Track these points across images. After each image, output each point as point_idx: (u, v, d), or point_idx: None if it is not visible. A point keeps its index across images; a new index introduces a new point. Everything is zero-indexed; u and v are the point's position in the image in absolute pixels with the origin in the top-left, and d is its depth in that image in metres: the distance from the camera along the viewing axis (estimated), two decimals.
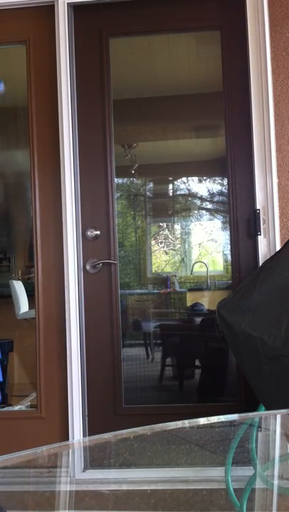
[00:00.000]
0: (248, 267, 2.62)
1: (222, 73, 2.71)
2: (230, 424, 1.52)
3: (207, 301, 4.72)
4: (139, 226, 4.86)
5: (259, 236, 2.59)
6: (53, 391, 2.73)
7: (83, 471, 2.47)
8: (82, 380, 2.68)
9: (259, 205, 2.59)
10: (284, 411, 1.53)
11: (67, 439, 2.62)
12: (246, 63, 2.63)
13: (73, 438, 2.62)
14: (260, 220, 2.58)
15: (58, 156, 2.73)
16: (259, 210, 2.58)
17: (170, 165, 4.98)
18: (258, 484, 1.80)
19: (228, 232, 2.72)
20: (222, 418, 1.52)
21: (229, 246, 2.68)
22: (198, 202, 5.11)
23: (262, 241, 2.59)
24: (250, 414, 2.04)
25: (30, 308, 4.47)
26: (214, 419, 1.47)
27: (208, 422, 1.44)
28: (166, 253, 4.99)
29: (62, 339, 2.71)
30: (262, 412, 2.15)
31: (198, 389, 3.65)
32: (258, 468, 1.82)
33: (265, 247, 2.58)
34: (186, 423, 1.45)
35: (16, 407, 3.03)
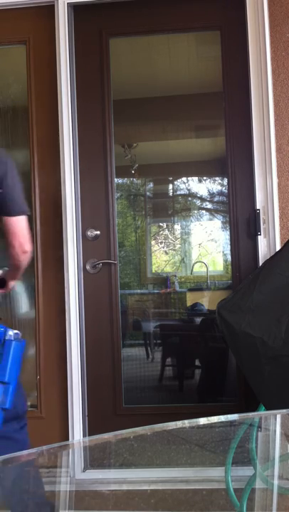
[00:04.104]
0: (248, 267, 2.62)
1: (222, 73, 2.71)
2: (231, 424, 1.52)
3: (207, 301, 4.71)
4: (139, 226, 4.86)
5: (259, 236, 2.59)
6: (53, 391, 2.73)
7: (83, 471, 2.47)
8: (82, 380, 2.68)
9: (259, 205, 2.59)
10: (284, 411, 1.53)
11: (67, 439, 2.62)
12: (246, 63, 2.63)
13: (73, 438, 2.62)
14: (260, 220, 2.58)
15: (58, 156, 2.73)
16: (259, 210, 2.59)
17: (170, 165, 4.98)
18: (258, 484, 1.80)
19: (228, 232, 2.72)
20: (222, 418, 1.52)
21: (229, 246, 2.69)
22: (198, 202, 5.11)
23: (262, 241, 2.59)
24: (250, 414, 2.03)
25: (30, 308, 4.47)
26: (214, 419, 1.47)
27: (208, 422, 1.44)
28: (166, 253, 5.00)
29: (62, 339, 2.71)
30: (262, 412, 2.15)
31: (198, 389, 3.64)
32: (258, 468, 1.82)
33: (265, 247, 2.58)
34: (186, 423, 1.45)
35: None
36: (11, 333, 1.83)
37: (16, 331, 1.85)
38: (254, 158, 2.60)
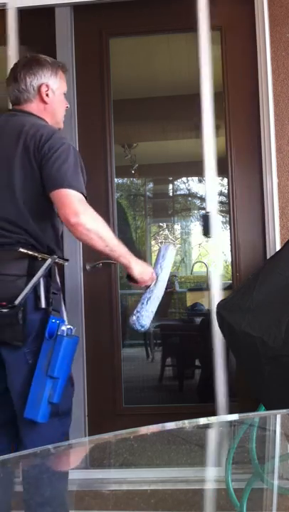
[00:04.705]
0: (248, 267, 2.62)
1: (222, 73, 2.71)
2: (230, 424, 1.52)
3: (207, 301, 4.69)
4: (139, 226, 4.86)
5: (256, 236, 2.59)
6: None
7: (83, 471, 2.47)
8: (82, 380, 2.67)
9: (258, 204, 2.59)
10: (284, 411, 1.53)
11: (67, 439, 2.62)
12: (246, 63, 2.63)
13: (73, 438, 2.61)
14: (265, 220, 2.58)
15: None
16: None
17: (170, 165, 4.98)
18: (258, 484, 1.80)
19: (228, 232, 2.72)
20: (222, 418, 1.52)
21: (229, 246, 2.68)
22: (198, 202, 5.10)
23: (259, 241, 2.59)
24: (250, 414, 2.03)
25: None
26: (214, 419, 1.47)
27: (208, 422, 1.45)
28: None
29: None
30: (262, 412, 2.15)
31: (198, 389, 3.64)
32: (258, 468, 1.82)
33: (265, 247, 2.58)
34: (186, 423, 1.45)
35: None
36: (64, 328, 1.83)
37: (69, 326, 1.85)
38: (254, 158, 2.60)
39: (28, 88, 1.97)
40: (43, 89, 1.98)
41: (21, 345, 1.81)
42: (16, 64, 2.04)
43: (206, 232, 2.55)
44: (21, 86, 1.97)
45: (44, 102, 2.00)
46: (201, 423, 1.45)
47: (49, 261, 1.86)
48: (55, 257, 1.90)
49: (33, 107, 1.99)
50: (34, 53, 2.10)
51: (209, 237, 2.55)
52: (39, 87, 1.98)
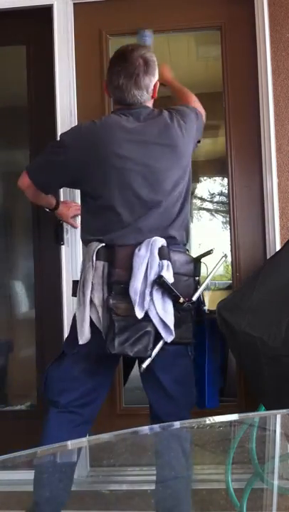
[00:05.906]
0: (249, 267, 2.62)
1: (222, 73, 2.71)
2: (230, 424, 1.52)
3: (207, 301, 4.68)
4: None
5: (256, 236, 2.59)
6: None
7: (83, 471, 2.47)
8: None
9: (258, 204, 2.59)
10: (284, 411, 1.53)
11: None
12: (246, 63, 2.63)
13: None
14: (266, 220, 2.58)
15: None
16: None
17: None
18: (258, 484, 1.80)
19: (228, 232, 2.72)
20: (222, 418, 1.52)
21: (229, 246, 2.68)
22: (198, 202, 5.10)
23: (259, 241, 2.59)
24: (250, 414, 2.04)
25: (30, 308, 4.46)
26: (214, 419, 1.47)
27: (208, 422, 1.45)
28: None
29: (62, 339, 2.70)
30: (262, 412, 2.15)
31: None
32: (258, 468, 1.83)
33: (265, 247, 2.57)
34: (186, 423, 1.45)
35: (16, 407, 3.03)
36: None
37: None
38: (254, 159, 2.60)
39: (149, 93, 2.11)
40: (156, 87, 2.13)
41: (191, 342, 2.01)
42: (131, 65, 2.07)
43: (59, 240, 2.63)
44: (144, 92, 2.08)
45: (153, 97, 2.14)
46: (201, 423, 1.45)
47: (222, 260, 2.17)
48: (226, 254, 2.21)
49: (150, 103, 2.14)
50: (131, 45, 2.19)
51: (62, 244, 2.62)
52: (154, 88, 2.12)
